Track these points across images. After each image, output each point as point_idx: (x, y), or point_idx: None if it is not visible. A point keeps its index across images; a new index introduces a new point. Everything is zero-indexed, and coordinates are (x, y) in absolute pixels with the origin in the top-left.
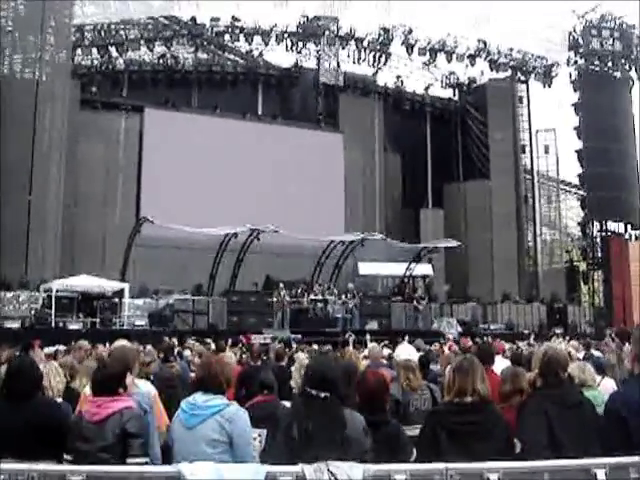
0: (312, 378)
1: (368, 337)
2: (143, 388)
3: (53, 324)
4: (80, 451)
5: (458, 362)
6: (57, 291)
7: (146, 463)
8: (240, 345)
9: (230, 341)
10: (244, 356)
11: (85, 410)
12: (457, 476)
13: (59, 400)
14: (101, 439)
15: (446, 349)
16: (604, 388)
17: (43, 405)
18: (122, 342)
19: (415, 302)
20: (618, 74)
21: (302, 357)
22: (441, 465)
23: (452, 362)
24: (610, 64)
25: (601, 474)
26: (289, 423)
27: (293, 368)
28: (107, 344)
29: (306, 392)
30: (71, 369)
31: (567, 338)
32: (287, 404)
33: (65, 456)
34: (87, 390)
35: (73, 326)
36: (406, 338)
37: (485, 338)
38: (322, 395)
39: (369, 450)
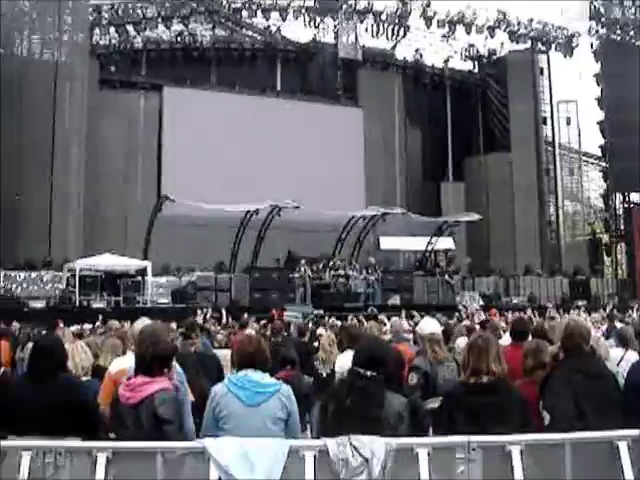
0: (361, 357)
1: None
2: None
3: (77, 303)
4: (121, 435)
5: (473, 339)
6: (81, 270)
7: None
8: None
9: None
10: (265, 332)
11: (120, 393)
12: (479, 449)
13: (86, 378)
14: (137, 425)
15: (466, 322)
16: (627, 360)
17: (66, 384)
18: (144, 320)
19: (447, 276)
20: None
21: (325, 334)
22: (464, 438)
23: (460, 337)
24: (632, 33)
25: (623, 446)
26: (327, 400)
27: (322, 342)
28: (128, 322)
29: (354, 371)
30: (96, 347)
31: (585, 311)
32: (310, 379)
33: (110, 434)
34: (112, 368)
35: (97, 305)
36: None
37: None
38: (368, 374)
39: (402, 436)
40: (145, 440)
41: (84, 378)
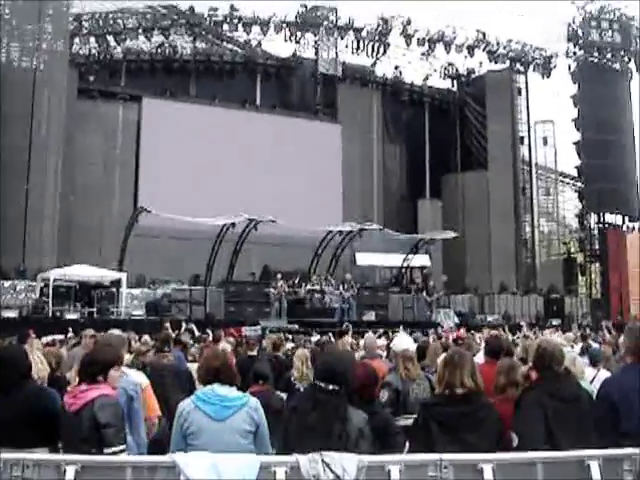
0: (322, 371)
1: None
2: (134, 376)
3: (50, 313)
4: (64, 441)
5: (449, 355)
6: (54, 280)
7: (122, 451)
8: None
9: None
10: (239, 348)
11: (65, 401)
12: (451, 467)
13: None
14: (78, 430)
15: (443, 340)
16: (600, 380)
17: (32, 393)
18: (114, 331)
19: (425, 294)
20: (617, 66)
21: (298, 351)
22: (435, 456)
23: (439, 353)
24: (609, 56)
25: (594, 466)
26: (290, 414)
27: (295, 359)
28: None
29: (315, 385)
30: (57, 358)
31: (559, 329)
32: (283, 395)
33: (60, 443)
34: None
35: (70, 316)
36: (401, 328)
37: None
38: (330, 388)
39: (364, 452)
40: (84, 444)
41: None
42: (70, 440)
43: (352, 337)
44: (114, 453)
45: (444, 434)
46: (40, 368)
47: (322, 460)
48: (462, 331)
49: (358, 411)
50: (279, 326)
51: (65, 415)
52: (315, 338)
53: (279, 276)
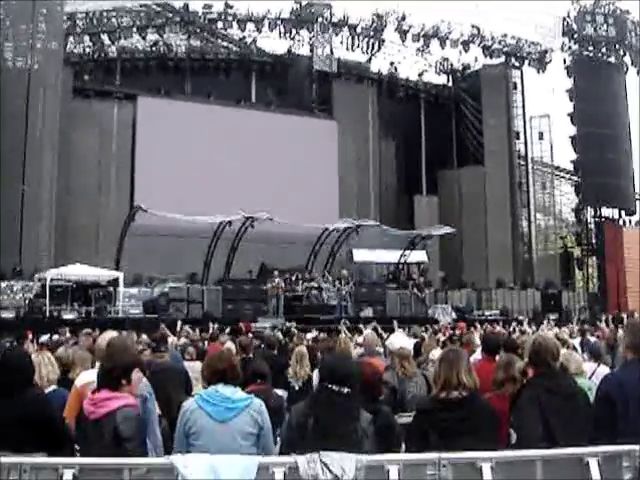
0: (333, 374)
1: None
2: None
3: (47, 313)
4: (82, 449)
5: (444, 353)
6: (51, 280)
7: None
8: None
9: (229, 329)
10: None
11: (85, 407)
12: (450, 466)
13: (53, 387)
14: (99, 440)
15: (440, 335)
16: (598, 375)
17: (34, 399)
18: (111, 333)
19: (416, 290)
20: (612, 60)
21: (296, 349)
22: (434, 455)
23: (435, 349)
24: (604, 50)
25: (594, 463)
26: (304, 417)
27: (292, 358)
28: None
29: (327, 387)
30: (66, 360)
31: (555, 324)
32: (280, 392)
33: (76, 445)
34: (78, 381)
35: (67, 315)
36: (395, 323)
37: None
38: (345, 391)
39: (365, 450)
40: (105, 455)
41: (50, 388)
42: (87, 449)
43: (351, 333)
44: None
45: (442, 440)
46: (50, 370)
47: (320, 460)
48: (463, 325)
49: (365, 412)
50: (277, 323)
51: (84, 423)
52: (311, 335)
53: (276, 273)
